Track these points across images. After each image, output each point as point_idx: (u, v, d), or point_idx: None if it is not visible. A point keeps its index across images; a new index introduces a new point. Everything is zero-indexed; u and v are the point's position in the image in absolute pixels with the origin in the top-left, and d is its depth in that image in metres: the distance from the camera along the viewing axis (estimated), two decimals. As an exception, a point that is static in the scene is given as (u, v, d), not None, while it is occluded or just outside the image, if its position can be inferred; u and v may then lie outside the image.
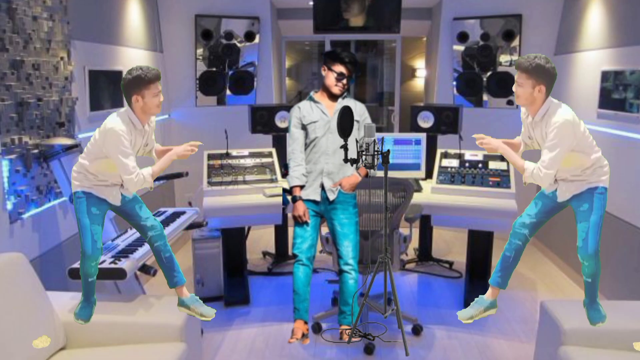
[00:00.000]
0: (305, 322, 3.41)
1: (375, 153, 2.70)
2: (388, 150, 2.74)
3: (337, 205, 3.44)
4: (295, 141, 3.48)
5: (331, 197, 3.44)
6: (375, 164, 2.73)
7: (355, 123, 3.41)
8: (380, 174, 2.85)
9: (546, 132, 2.27)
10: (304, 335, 3.35)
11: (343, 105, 2.93)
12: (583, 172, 2.35)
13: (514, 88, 2.32)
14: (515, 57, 5.24)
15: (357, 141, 2.77)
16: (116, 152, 2.27)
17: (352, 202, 3.45)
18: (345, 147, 2.81)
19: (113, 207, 2.46)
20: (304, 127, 3.47)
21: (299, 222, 3.44)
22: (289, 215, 4.57)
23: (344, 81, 3.41)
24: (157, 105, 2.29)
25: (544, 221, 2.50)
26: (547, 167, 2.27)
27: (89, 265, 2.38)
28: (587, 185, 2.35)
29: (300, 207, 3.41)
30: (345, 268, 3.38)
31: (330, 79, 3.42)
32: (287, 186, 4.07)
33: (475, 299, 2.68)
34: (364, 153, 2.71)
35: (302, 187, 3.45)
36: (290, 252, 5.00)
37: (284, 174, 3.95)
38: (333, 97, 3.46)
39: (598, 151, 2.36)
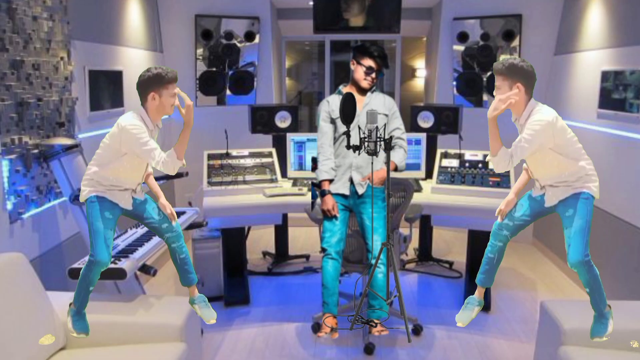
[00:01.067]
0: (335, 316, 3.35)
1: (378, 140, 2.69)
2: (390, 137, 2.73)
3: (366, 200, 3.43)
4: (324, 135, 3.47)
5: (360, 191, 3.43)
6: (378, 150, 2.72)
7: (384, 117, 3.42)
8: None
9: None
10: (332, 330, 3.30)
11: (345, 92, 2.92)
12: (568, 178, 2.30)
13: (494, 93, 2.27)
14: (515, 57, 5.23)
15: (359, 128, 2.76)
16: (139, 145, 2.24)
17: (381, 196, 3.42)
18: (347, 134, 2.80)
19: (125, 212, 2.41)
20: (332, 121, 3.46)
21: (328, 216, 3.41)
22: (290, 215, 4.61)
23: (373, 75, 3.41)
24: (171, 106, 2.30)
25: (527, 223, 2.47)
26: (513, 152, 2.21)
27: (97, 271, 2.31)
28: (572, 191, 2.31)
29: (330, 201, 3.39)
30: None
31: (359, 72, 3.42)
32: (287, 186, 4.09)
33: (466, 300, 2.63)
34: (366, 140, 2.70)
35: (331, 181, 3.44)
36: (290, 252, 5.02)
37: (313, 168, 3.94)
38: (362, 91, 3.45)
39: (588, 160, 2.32)
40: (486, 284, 2.58)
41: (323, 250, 3.42)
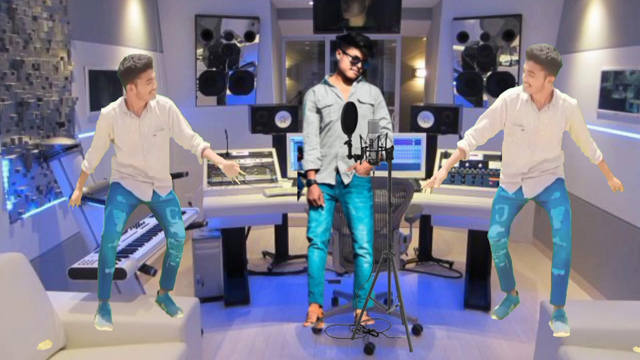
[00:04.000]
0: (320, 306, 3.36)
1: (379, 149, 2.70)
2: (392, 147, 2.74)
3: (351, 189, 3.42)
4: (310, 125, 3.46)
5: (346, 180, 3.42)
6: (379, 160, 2.73)
7: (370, 106, 3.42)
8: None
9: (567, 115, 2.39)
10: (318, 319, 3.31)
11: (347, 102, 2.93)
12: (557, 163, 2.45)
13: (524, 77, 2.34)
14: (515, 57, 5.24)
15: (361, 137, 2.76)
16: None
17: (367, 185, 3.42)
18: (349, 143, 2.81)
19: (144, 202, 2.51)
20: (318, 111, 3.46)
21: (314, 205, 3.41)
22: (290, 215, 4.60)
23: (359, 65, 3.41)
24: (149, 92, 2.37)
25: (512, 220, 2.55)
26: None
27: (106, 247, 2.37)
28: (556, 177, 2.45)
29: (315, 191, 3.39)
30: (360, 252, 3.37)
31: (344, 62, 3.42)
32: (287, 186, 4.09)
33: (505, 297, 2.68)
34: (367, 149, 2.71)
35: (316, 170, 3.44)
36: (290, 252, 5.02)
37: (299, 158, 3.93)
38: (348, 81, 3.45)
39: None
40: (510, 287, 2.65)
41: (309, 240, 3.43)
